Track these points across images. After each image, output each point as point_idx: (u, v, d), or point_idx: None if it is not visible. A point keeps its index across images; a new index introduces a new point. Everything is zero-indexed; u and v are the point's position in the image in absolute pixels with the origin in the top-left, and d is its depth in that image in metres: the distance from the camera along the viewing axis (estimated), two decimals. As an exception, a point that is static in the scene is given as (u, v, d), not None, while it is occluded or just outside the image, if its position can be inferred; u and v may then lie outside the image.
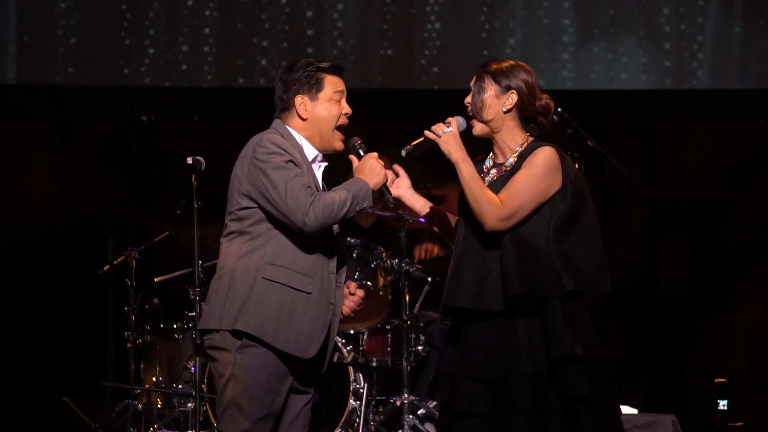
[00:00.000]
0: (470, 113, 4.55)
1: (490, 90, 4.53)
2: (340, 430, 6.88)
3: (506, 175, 4.51)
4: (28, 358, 8.07)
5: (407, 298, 7.09)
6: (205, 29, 8.03)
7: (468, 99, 4.55)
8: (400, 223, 7.14)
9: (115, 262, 7.03)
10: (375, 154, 4.61)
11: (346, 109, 4.65)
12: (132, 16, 8.01)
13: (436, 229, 4.77)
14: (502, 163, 4.56)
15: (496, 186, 4.50)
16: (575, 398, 4.37)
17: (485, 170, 4.59)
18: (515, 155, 4.53)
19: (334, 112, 4.62)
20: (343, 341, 7.03)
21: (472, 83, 4.56)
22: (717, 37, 7.97)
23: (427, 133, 4.51)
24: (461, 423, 4.45)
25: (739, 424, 6.32)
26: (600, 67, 8.02)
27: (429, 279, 7.34)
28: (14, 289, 8.12)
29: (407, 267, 7.13)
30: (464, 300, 4.45)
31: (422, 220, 4.80)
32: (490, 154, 4.62)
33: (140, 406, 6.89)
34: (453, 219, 4.71)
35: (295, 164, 4.50)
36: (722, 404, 6.17)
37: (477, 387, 4.42)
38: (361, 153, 4.64)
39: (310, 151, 4.61)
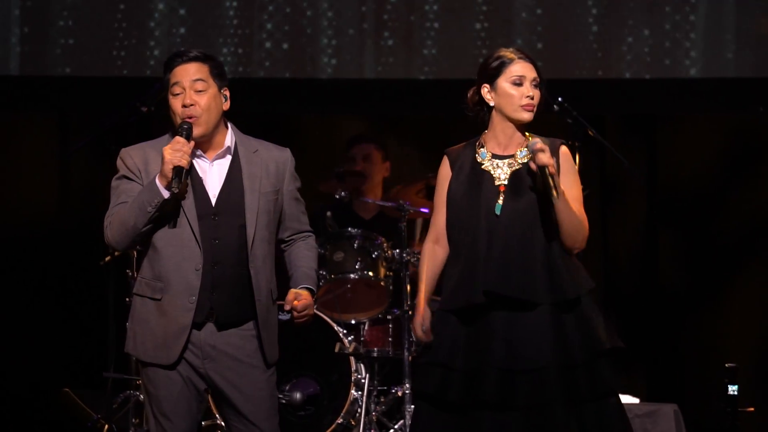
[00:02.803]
0: (532, 107, 4.56)
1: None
2: (341, 420, 6.88)
3: (526, 168, 4.54)
4: (29, 350, 8.07)
5: (408, 288, 7.10)
6: (202, 20, 8.02)
7: (532, 88, 4.57)
8: (401, 213, 7.15)
9: (116, 253, 7.03)
10: (176, 139, 4.49)
11: (185, 100, 4.56)
12: (132, 7, 8.00)
13: None
14: (510, 156, 4.58)
15: (520, 182, 4.53)
16: (611, 389, 4.46)
17: (483, 161, 4.60)
18: (525, 148, 4.57)
19: (174, 108, 4.58)
20: (344, 331, 7.03)
21: (534, 74, 4.58)
22: (712, 26, 7.97)
23: (552, 170, 4.46)
24: (485, 414, 4.43)
25: (750, 409, 6.31)
26: (598, 56, 8.01)
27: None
28: (14, 280, 8.12)
29: (408, 257, 7.13)
30: (507, 288, 4.46)
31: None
32: (478, 142, 4.64)
33: (142, 396, 6.89)
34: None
35: (129, 178, 4.55)
36: (732, 389, 6.13)
37: (511, 377, 4.43)
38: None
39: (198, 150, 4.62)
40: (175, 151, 4.46)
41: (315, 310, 6.92)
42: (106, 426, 6.77)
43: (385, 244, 7.19)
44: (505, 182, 4.55)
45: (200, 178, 4.61)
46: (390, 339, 7.21)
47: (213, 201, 4.59)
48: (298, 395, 6.89)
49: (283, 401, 6.84)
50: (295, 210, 4.75)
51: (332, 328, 6.97)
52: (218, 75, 4.62)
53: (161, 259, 4.55)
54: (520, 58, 4.59)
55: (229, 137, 4.66)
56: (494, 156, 4.59)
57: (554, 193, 4.42)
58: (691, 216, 8.39)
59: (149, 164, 4.56)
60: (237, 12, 8.03)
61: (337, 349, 6.90)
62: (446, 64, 7.99)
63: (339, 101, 8.17)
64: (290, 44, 7.99)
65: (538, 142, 4.48)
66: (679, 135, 8.43)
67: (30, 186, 8.25)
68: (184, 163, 4.46)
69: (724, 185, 8.37)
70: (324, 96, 8.10)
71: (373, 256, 7.18)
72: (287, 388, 6.90)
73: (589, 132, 6.90)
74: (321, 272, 7.18)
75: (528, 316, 4.46)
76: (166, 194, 4.46)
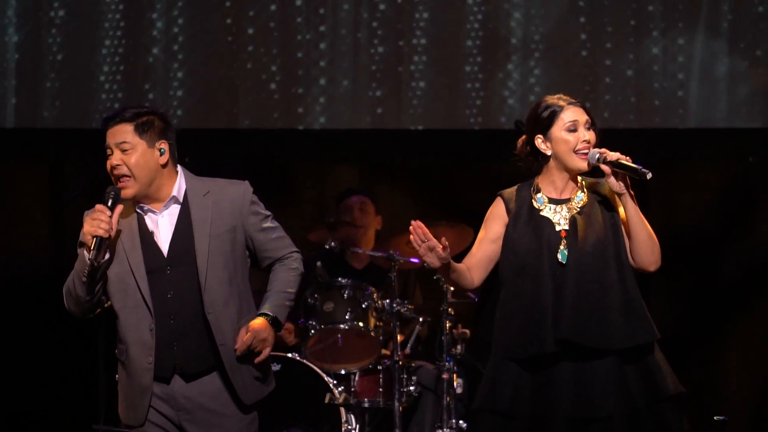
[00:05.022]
0: (588, 149, 4.55)
1: None
2: (332, 470, 6.86)
3: (585, 212, 4.53)
4: (18, 400, 8.05)
5: (399, 338, 7.09)
6: (196, 71, 8.06)
7: (586, 131, 4.56)
8: (390, 263, 7.15)
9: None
10: (96, 207, 4.47)
11: (112, 161, 4.54)
12: (124, 58, 8.04)
13: (450, 283, 4.70)
14: (567, 199, 4.57)
15: (582, 225, 4.52)
16: None
17: (541, 206, 4.58)
18: (581, 191, 4.58)
19: (108, 170, 4.56)
20: (335, 382, 7.01)
21: (585, 116, 4.58)
22: (704, 76, 8.01)
23: (625, 158, 4.48)
24: None
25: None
26: (591, 105, 8.03)
27: (420, 319, 7.33)
28: (5, 330, 8.11)
29: (398, 307, 7.12)
30: (581, 337, 4.42)
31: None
32: (532, 188, 4.62)
33: (131, 449, 6.86)
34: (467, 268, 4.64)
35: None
36: (721, 442, 6.13)
37: (580, 425, 4.41)
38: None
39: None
40: (93, 219, 4.44)
41: (306, 361, 6.98)
42: (96, 478, 6.75)
43: (375, 294, 7.19)
44: (566, 227, 4.53)
45: (151, 232, 4.57)
46: (380, 389, 7.18)
47: (165, 253, 4.55)
48: (288, 446, 6.87)
49: (274, 452, 6.82)
50: (264, 240, 4.64)
51: (322, 378, 6.96)
52: (147, 131, 4.54)
53: (120, 322, 4.56)
54: (570, 103, 4.58)
55: (177, 186, 4.59)
56: (551, 201, 4.57)
57: (643, 171, 4.40)
58: (683, 263, 8.39)
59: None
60: (229, 64, 8.07)
61: (327, 400, 6.89)
62: (436, 115, 8.02)
63: (330, 151, 8.20)
64: (281, 94, 8.02)
65: (595, 150, 4.50)
66: (671, 182, 8.45)
67: (21, 236, 8.26)
68: (101, 232, 4.41)
69: (715, 232, 8.38)
70: (315, 146, 8.13)
71: (364, 306, 7.17)
72: (278, 438, 6.88)
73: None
74: (311, 322, 7.18)
75: (597, 363, 4.43)
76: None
